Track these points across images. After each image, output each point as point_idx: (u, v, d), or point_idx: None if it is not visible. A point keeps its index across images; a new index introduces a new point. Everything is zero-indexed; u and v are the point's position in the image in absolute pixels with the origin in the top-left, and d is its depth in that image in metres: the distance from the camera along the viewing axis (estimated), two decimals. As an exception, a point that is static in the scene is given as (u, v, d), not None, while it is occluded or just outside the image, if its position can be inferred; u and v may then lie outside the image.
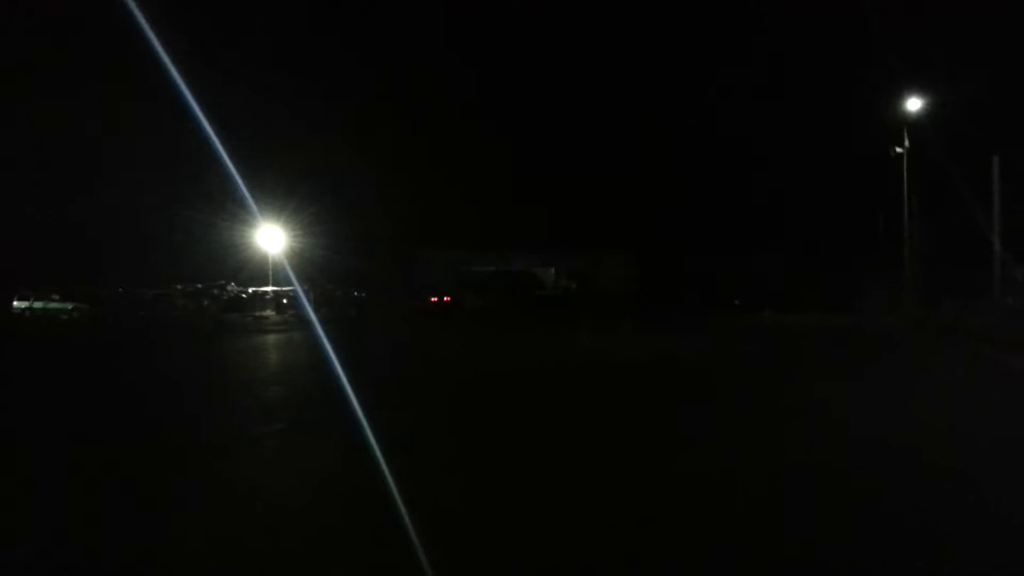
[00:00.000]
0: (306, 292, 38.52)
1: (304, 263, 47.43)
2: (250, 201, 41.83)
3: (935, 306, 27.56)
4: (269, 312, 36.91)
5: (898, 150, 29.69)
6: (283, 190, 46.56)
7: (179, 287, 39.37)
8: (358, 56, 65.80)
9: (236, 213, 43.46)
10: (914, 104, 28.51)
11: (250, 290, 40.02)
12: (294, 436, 7.79)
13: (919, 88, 28.48)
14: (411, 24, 69.20)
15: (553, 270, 38.57)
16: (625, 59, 73.97)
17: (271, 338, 22.22)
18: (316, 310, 34.45)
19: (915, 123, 29.02)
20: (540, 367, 14.38)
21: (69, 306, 33.36)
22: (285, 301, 37.53)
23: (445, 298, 37.06)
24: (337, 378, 9.89)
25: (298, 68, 66.89)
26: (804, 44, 61.47)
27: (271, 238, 46.19)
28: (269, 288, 40.76)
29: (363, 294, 41.14)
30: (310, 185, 48.32)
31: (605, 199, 53.09)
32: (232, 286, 40.99)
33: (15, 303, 33.87)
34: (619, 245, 46.69)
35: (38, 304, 33.46)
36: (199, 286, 40.65)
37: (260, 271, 46.95)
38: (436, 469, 6.25)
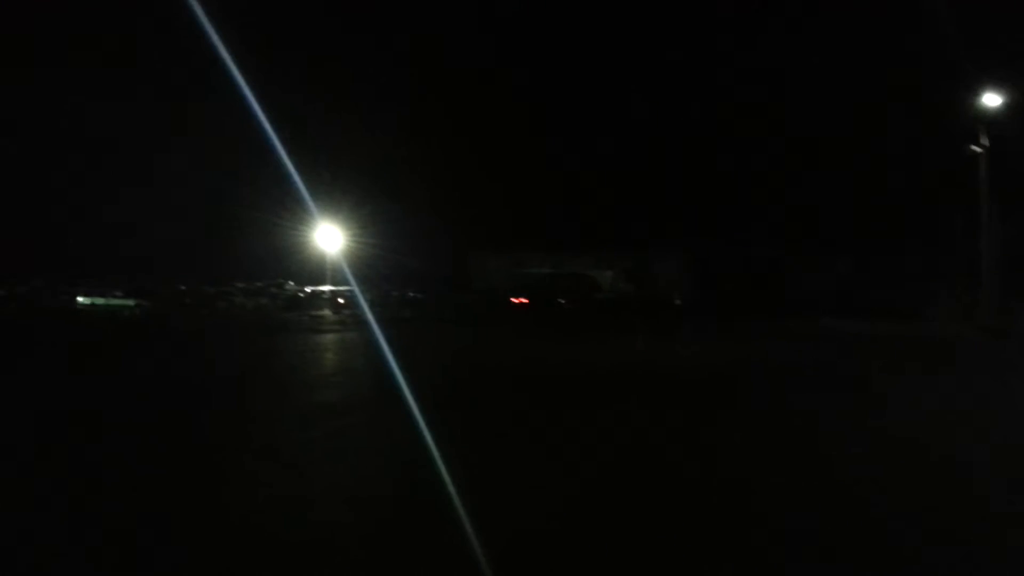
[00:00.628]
0: (363, 292, 38.86)
1: (361, 263, 47.90)
2: (309, 200, 42.46)
3: (1013, 313, 26.25)
4: (326, 311, 37.32)
5: (975, 149, 28.39)
6: (341, 190, 47.12)
7: (239, 285, 40.13)
8: (413, 56, 66.17)
9: (295, 212, 44.13)
10: (992, 100, 27.24)
11: (308, 289, 40.55)
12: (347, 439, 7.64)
13: (997, 83, 27.18)
14: (464, 22, 69.32)
15: (610, 272, 38.07)
16: (681, 57, 72.73)
17: (328, 338, 22.30)
18: (371, 310, 34.67)
19: (993, 121, 27.69)
20: (610, 374, 13.96)
21: (131, 302, 34.19)
22: (342, 301, 37.90)
23: (523, 299, 36.65)
24: (394, 379, 9.80)
25: (358, 67, 67.61)
26: (872, 38, 59.55)
27: (329, 237, 46.78)
28: (326, 288, 41.24)
29: (419, 295, 41.26)
30: (367, 185, 48.79)
31: (659, 199, 52.35)
32: (291, 285, 41.62)
33: (79, 299, 34.87)
34: (674, 247, 45.88)
35: (100, 300, 34.38)
36: (259, 284, 41.38)
37: (318, 270, 47.63)
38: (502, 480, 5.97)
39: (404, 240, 48.96)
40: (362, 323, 28.86)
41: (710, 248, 45.94)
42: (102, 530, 4.57)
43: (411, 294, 40.96)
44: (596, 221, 50.54)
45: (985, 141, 28.38)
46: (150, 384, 11.53)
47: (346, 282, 43.10)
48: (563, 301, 35.64)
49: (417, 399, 8.27)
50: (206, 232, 45.94)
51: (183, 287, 38.78)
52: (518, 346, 19.82)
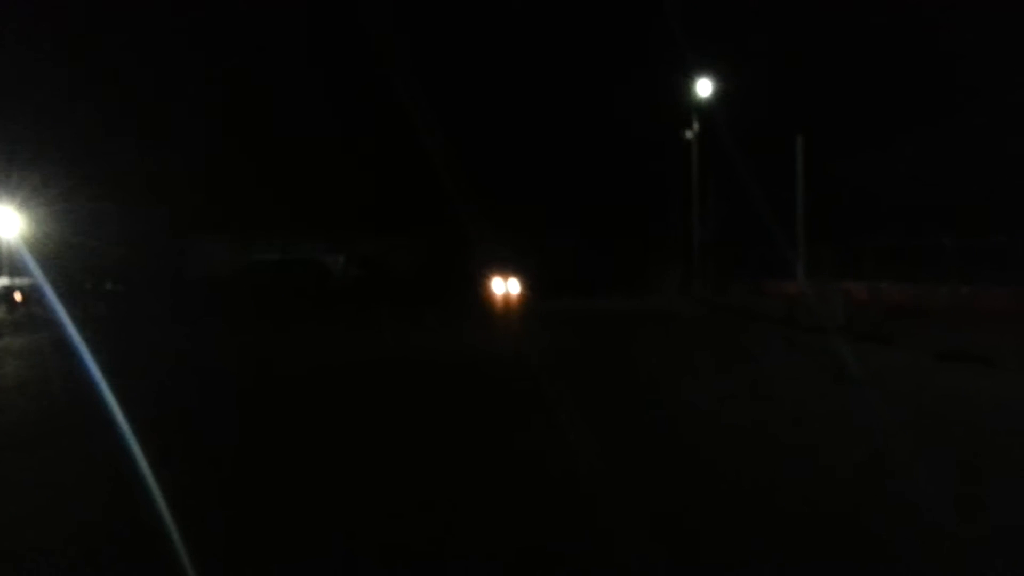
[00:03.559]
0: (50, 285, 32.61)
1: (49, 252, 40.67)
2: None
3: (724, 291, 28.35)
4: (-5, 310, 30.77)
5: (688, 135, 30.21)
6: (20, 164, 39.67)
7: None
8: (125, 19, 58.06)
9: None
10: (704, 87, 28.98)
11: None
12: None
13: (710, 71, 28.94)
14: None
15: (342, 257, 35.66)
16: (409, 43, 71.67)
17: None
18: (57, 307, 29.06)
19: (706, 107, 29.54)
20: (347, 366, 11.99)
21: None
22: (19, 297, 31.43)
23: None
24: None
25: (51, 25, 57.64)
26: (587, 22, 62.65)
27: (4, 221, 39.02)
28: (-2, 281, 34.15)
29: (119, 288, 35.65)
30: (59, 159, 41.60)
31: (398, 182, 50.67)
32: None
33: None
34: (411, 230, 44.56)
35: None
36: None
37: (-8, 261, 39.66)
38: None
39: (105, 223, 42.47)
40: (42, 324, 23.87)
41: (450, 233, 45.24)
42: None
43: (109, 287, 35.24)
44: (331, 204, 47.63)
45: (696, 126, 30.33)
46: None
47: (27, 273, 36.12)
48: (279, 290, 32.59)
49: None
50: None
51: None
52: (229, 343, 17.06)
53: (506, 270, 37.82)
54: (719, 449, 6.49)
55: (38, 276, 35.14)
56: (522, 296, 34.10)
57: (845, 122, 36.40)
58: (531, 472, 5.86)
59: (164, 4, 61.91)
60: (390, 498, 5.30)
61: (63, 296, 30.44)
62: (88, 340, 16.21)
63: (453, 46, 72.05)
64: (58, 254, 40.24)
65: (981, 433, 6.88)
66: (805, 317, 16.78)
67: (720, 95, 28.75)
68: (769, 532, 4.47)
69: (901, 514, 4.77)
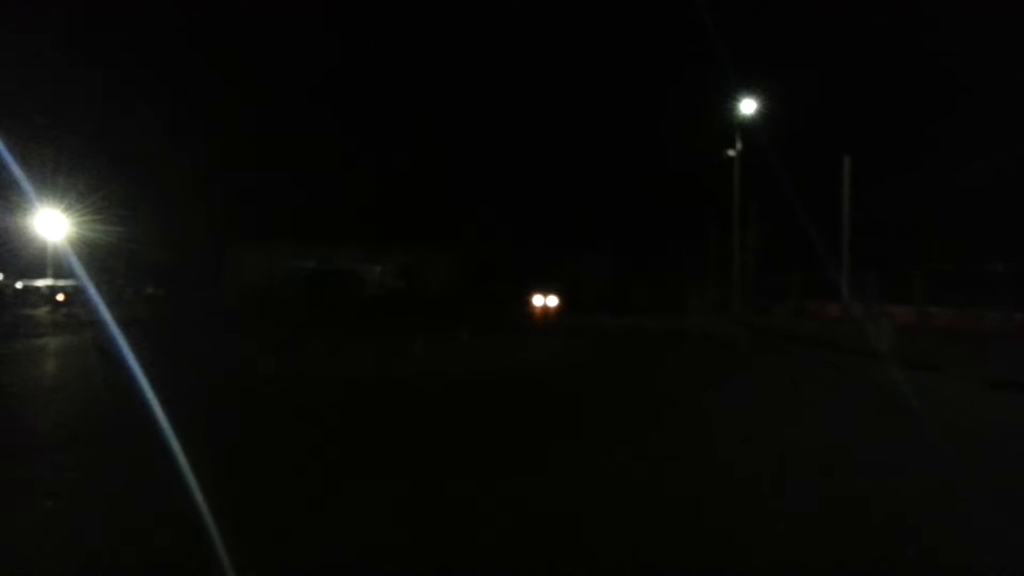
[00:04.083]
0: (94, 287, 33.25)
1: (93, 254, 41.55)
2: (25, 183, 35.99)
3: (766, 312, 27.77)
4: (41, 310, 31.36)
5: (730, 153, 29.78)
6: (67, 170, 40.66)
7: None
8: (175, 38, 59.51)
9: (4, 195, 37.18)
10: (748, 107, 28.62)
11: (19, 284, 33.99)
12: None
13: (754, 90, 28.61)
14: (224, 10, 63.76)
15: (378, 268, 35.69)
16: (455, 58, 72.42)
17: (28, 345, 17.82)
18: (99, 308, 29.53)
19: (750, 126, 29.16)
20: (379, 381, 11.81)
21: None
22: (62, 297, 32.01)
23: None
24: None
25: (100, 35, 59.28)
26: (629, 43, 62.69)
27: (52, 224, 39.94)
28: (42, 282, 34.83)
29: (160, 291, 36.16)
30: (104, 165, 42.61)
31: (435, 195, 50.92)
32: (-3, 279, 34.78)
33: None
34: (447, 243, 44.67)
35: None
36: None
37: (39, 262, 40.63)
38: None
39: (148, 229, 43.26)
40: (82, 325, 24.18)
41: (484, 245, 45.22)
42: None
43: (150, 290, 35.76)
44: (371, 216, 48.03)
45: (740, 145, 29.89)
46: None
47: (72, 275, 36.90)
48: (315, 299, 32.69)
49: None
50: None
51: None
52: (261, 351, 17.01)
53: (544, 286, 37.74)
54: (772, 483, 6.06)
55: (81, 278, 35.87)
56: (558, 311, 33.86)
57: (892, 144, 35.83)
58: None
59: (211, 15, 63.27)
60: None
61: (104, 298, 30.98)
62: (128, 341, 16.37)
63: (493, 65, 72.49)
64: (101, 257, 41.08)
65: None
66: (850, 341, 16.29)
67: (764, 115, 28.41)
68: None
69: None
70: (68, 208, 40.67)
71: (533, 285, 36.99)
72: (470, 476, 5.84)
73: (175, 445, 6.08)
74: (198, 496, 4.85)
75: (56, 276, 37.83)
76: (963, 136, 35.32)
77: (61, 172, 39.69)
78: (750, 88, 28.66)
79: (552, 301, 36.03)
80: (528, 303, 36.12)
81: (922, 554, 4.36)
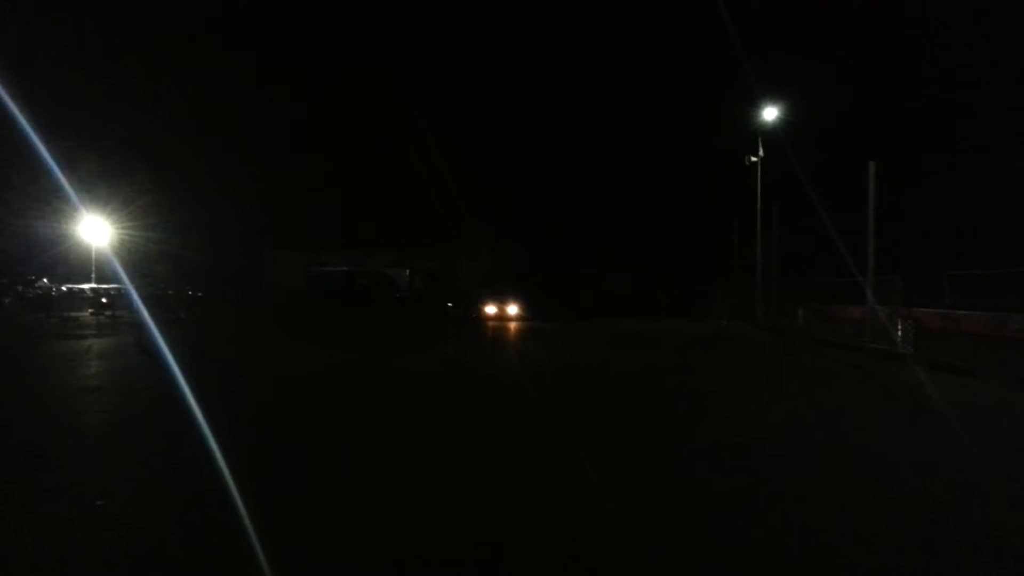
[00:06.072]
0: (135, 290, 34.43)
1: (134, 258, 42.94)
2: (69, 189, 37.24)
3: (790, 315, 27.78)
4: (85, 312, 32.55)
5: (752, 159, 29.92)
6: (112, 177, 42.08)
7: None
8: (213, 43, 60.95)
9: (53, 202, 38.65)
10: (770, 113, 28.76)
11: (64, 287, 35.27)
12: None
13: (776, 97, 28.75)
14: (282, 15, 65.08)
15: (408, 271, 36.42)
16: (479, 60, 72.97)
17: (71, 345, 18.62)
18: (140, 310, 30.60)
19: (771, 132, 29.29)
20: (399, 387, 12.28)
21: None
22: (104, 300, 33.19)
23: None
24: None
25: (137, 48, 60.96)
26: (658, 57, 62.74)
27: (95, 230, 41.39)
28: (86, 285, 36.10)
29: (199, 294, 37.22)
30: (144, 172, 43.98)
31: (464, 201, 51.58)
32: (44, 282, 36.04)
33: None
34: (474, 247, 45.23)
35: None
36: (2, 281, 35.49)
37: (83, 266, 42.12)
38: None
39: (188, 233, 44.55)
40: (122, 327, 25.13)
41: (509, 250, 45.69)
42: None
43: (190, 292, 36.83)
44: (401, 221, 48.88)
45: (761, 151, 30.03)
46: None
47: (114, 279, 38.18)
48: (347, 301, 33.40)
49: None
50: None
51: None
52: (304, 355, 17.51)
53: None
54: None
55: (124, 281, 37.12)
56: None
57: (919, 148, 35.60)
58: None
59: (249, 27, 64.62)
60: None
61: (146, 301, 32.08)
62: (169, 343, 17.16)
63: (511, 74, 72.92)
64: (142, 261, 42.43)
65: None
66: (876, 344, 16.37)
67: (786, 121, 28.53)
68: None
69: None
70: (111, 214, 42.11)
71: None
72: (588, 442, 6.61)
73: (216, 447, 6.49)
74: (243, 509, 4.90)
75: (99, 280, 39.17)
76: (988, 139, 35.00)
77: (105, 179, 41.09)
78: (773, 94, 28.88)
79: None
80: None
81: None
